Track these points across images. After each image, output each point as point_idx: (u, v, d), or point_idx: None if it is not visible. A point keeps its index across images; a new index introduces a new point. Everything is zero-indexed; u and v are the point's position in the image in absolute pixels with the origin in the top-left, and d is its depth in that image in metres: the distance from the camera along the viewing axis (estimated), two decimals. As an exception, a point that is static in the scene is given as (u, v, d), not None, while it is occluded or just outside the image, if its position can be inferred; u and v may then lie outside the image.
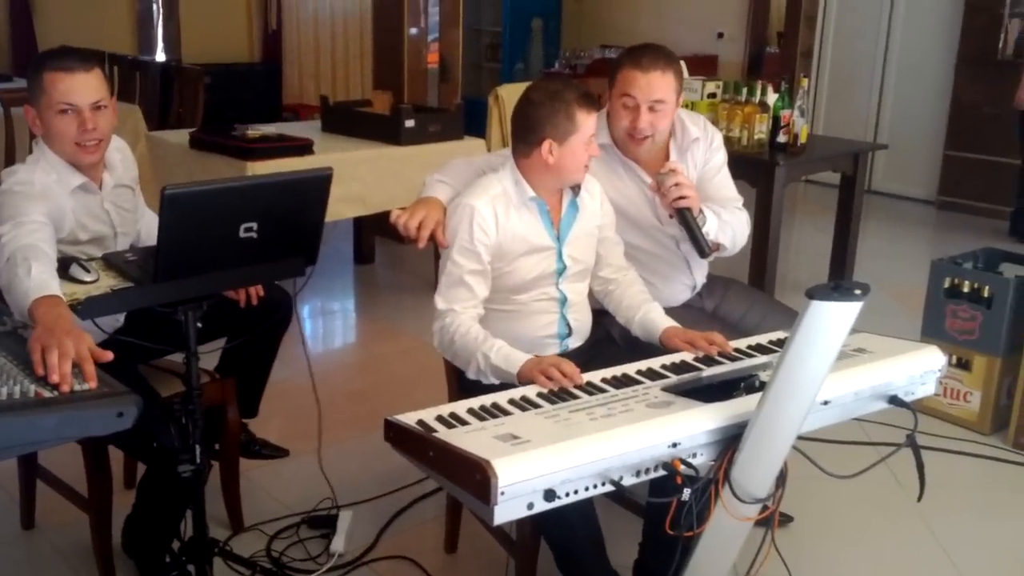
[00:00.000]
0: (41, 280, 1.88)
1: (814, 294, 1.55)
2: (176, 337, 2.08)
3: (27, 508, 2.71)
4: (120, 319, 2.47)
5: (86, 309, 1.93)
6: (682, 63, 2.59)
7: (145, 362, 2.49)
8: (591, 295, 2.50)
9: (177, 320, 2.04)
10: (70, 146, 2.29)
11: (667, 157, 2.60)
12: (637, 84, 2.45)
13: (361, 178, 4.26)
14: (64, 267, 2.07)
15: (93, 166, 2.37)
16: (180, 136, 4.40)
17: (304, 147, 4.13)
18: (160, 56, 7.78)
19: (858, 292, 1.57)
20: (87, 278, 2.06)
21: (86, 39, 2.26)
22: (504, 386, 2.03)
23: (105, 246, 2.42)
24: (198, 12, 7.62)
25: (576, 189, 2.37)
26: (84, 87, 2.26)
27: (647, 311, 2.38)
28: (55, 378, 1.59)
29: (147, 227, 2.62)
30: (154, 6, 7.78)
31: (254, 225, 1.97)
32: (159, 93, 5.94)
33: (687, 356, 2.17)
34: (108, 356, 1.69)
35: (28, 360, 1.67)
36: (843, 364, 1.93)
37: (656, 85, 2.45)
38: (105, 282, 2.05)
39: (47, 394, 1.56)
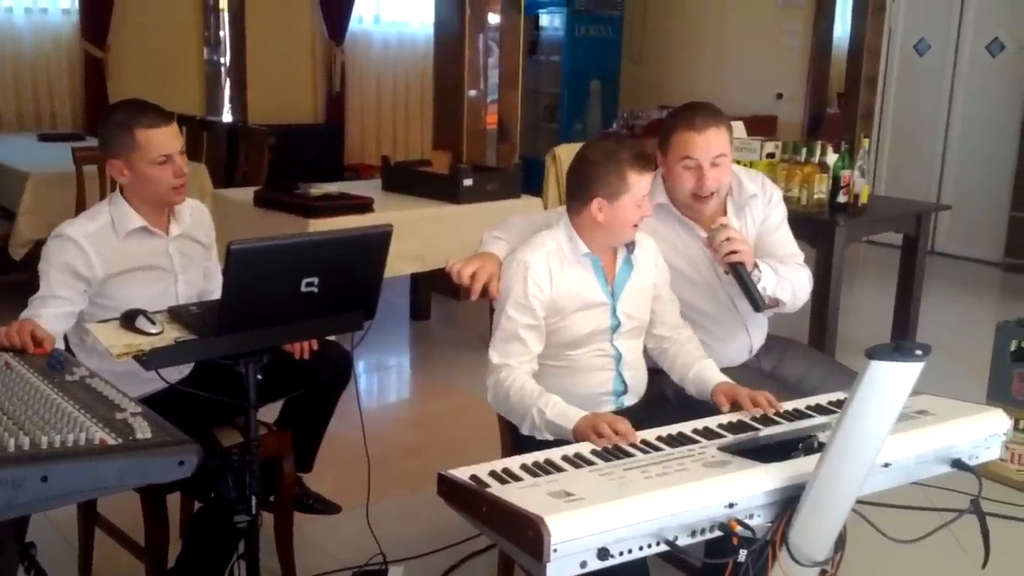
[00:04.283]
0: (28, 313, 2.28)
1: (874, 354, 1.54)
2: (239, 392, 2.12)
3: (85, 556, 2.74)
4: (185, 371, 2.53)
5: (151, 359, 1.97)
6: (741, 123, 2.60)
7: (215, 424, 2.52)
8: (646, 353, 2.49)
9: (239, 373, 2.08)
10: (166, 191, 2.47)
11: (724, 214, 2.60)
12: (696, 145, 2.45)
13: (420, 235, 4.31)
14: (131, 319, 2.12)
15: (162, 212, 2.53)
16: (245, 194, 4.49)
17: (365, 205, 4.20)
18: (227, 116, 7.99)
19: (919, 353, 1.55)
20: (152, 330, 2.10)
21: (156, 99, 2.38)
22: (558, 443, 2.02)
23: (165, 284, 2.54)
24: (264, 74, 7.84)
25: (631, 246, 2.38)
26: (174, 137, 2.46)
27: (701, 368, 2.36)
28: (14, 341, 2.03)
29: (218, 287, 2.69)
30: (222, 68, 8.01)
31: (315, 280, 2.01)
32: (225, 152, 6.09)
33: (744, 415, 2.14)
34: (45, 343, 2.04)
35: (95, 408, 1.72)
36: (905, 426, 1.89)
37: (714, 142, 2.46)
38: (170, 334, 2.10)
39: (111, 441, 1.60)
